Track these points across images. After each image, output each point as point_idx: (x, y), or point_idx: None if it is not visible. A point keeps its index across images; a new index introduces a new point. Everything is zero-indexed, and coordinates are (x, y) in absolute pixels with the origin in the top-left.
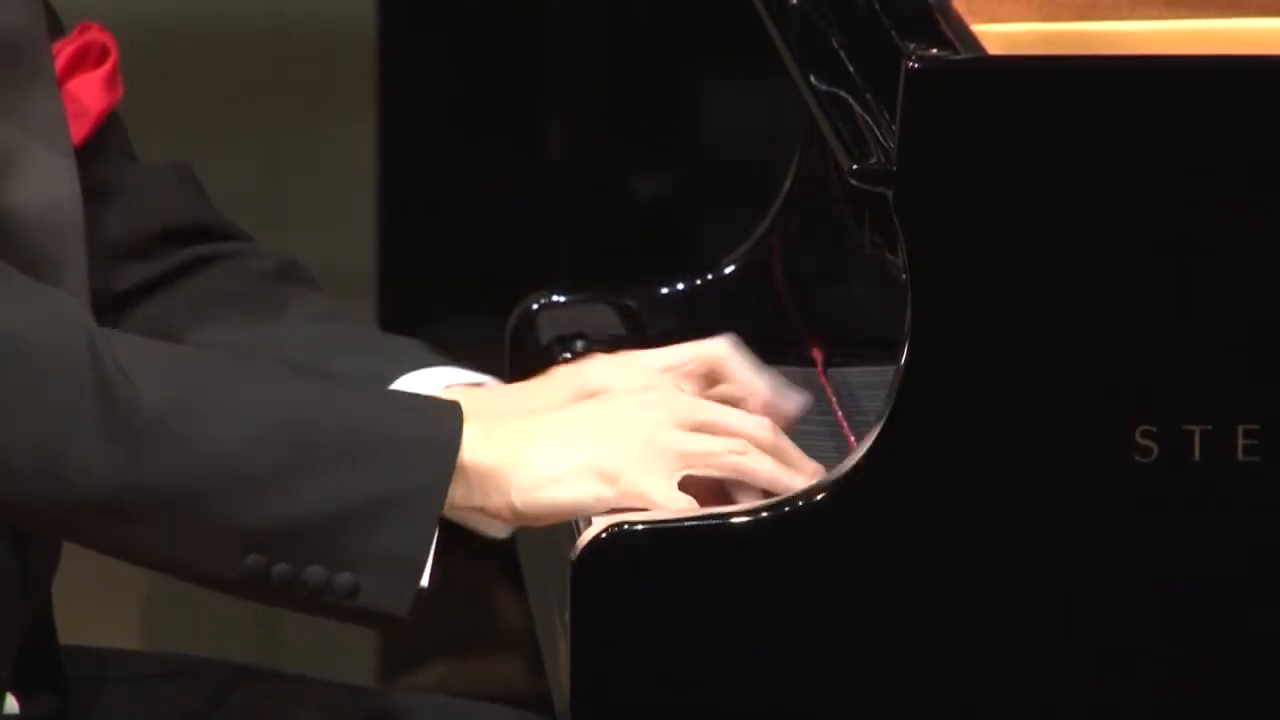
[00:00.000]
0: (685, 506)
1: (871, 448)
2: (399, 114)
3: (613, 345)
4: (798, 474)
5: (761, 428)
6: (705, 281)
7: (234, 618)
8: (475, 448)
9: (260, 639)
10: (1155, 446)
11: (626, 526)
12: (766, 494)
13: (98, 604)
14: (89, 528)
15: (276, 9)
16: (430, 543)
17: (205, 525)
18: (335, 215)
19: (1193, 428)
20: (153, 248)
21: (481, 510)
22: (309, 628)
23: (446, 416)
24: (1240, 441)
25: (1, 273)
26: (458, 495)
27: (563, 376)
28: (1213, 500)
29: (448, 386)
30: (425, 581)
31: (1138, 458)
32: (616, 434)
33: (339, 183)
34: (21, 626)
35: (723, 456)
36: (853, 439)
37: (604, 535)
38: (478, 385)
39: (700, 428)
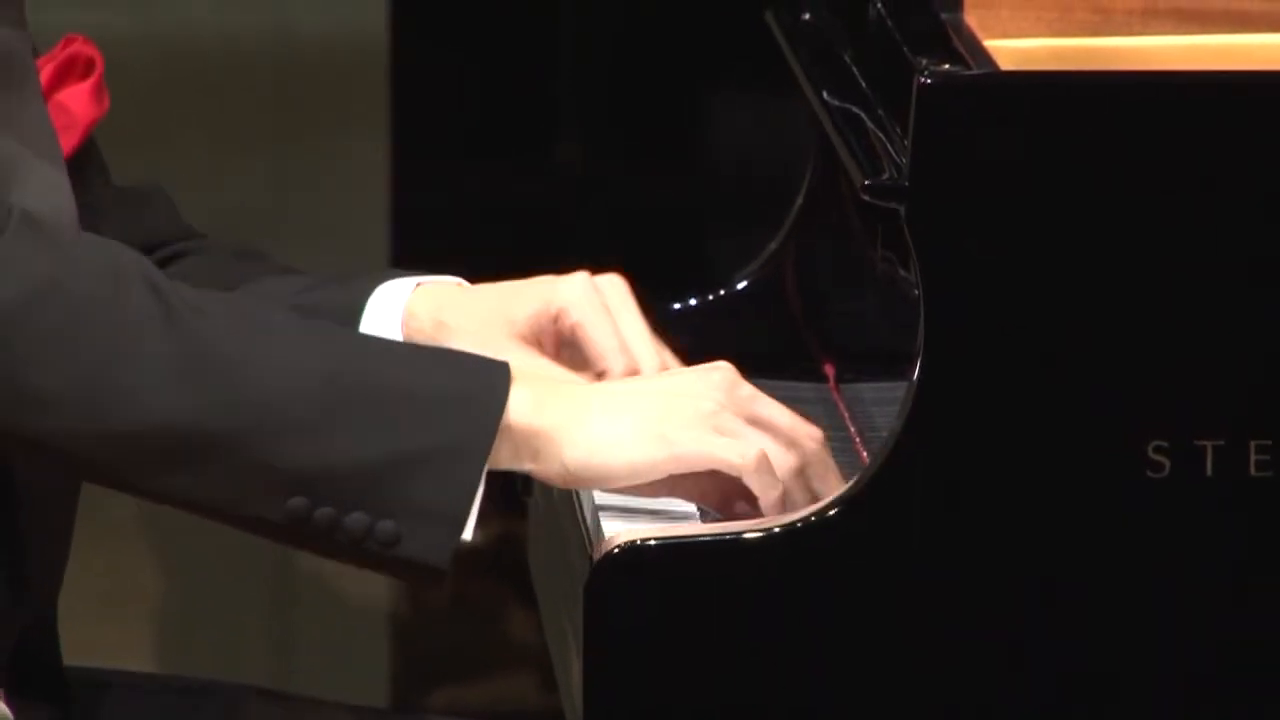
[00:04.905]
0: (755, 465)
1: (884, 463)
2: (411, 129)
3: None
4: (829, 492)
5: (812, 438)
6: (717, 297)
7: (245, 640)
8: (522, 410)
9: (272, 660)
10: (1167, 462)
11: (639, 542)
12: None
13: (107, 626)
14: (134, 467)
15: (288, 25)
16: (473, 498)
17: (251, 464)
18: (347, 230)
19: (1205, 443)
20: None
21: (530, 472)
22: (320, 649)
23: (493, 376)
24: (1253, 457)
25: (41, 224)
26: (504, 455)
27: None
28: (1225, 515)
29: (419, 285)
30: (469, 535)
31: (1150, 473)
32: (674, 404)
33: (351, 197)
34: (12, 629)
35: (770, 460)
36: (865, 455)
37: (617, 551)
38: (451, 283)
39: (754, 420)
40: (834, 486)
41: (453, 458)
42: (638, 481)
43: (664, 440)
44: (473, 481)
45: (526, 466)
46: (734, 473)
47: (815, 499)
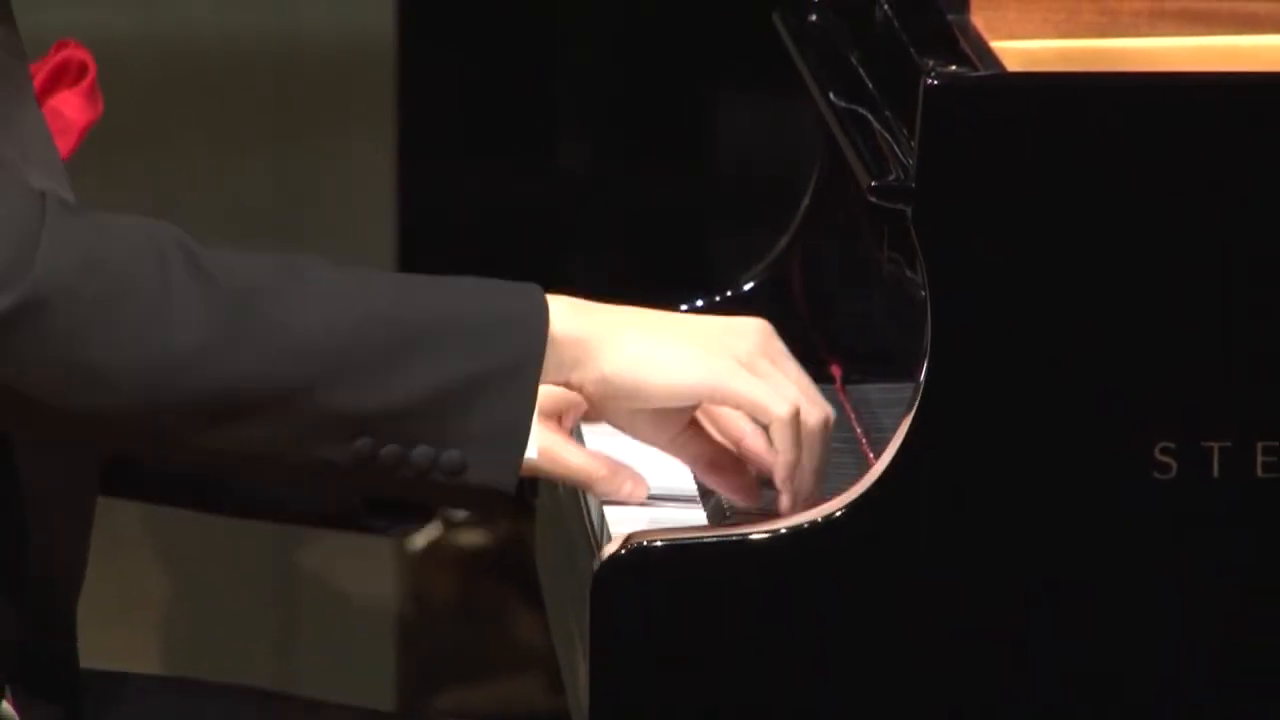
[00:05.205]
0: (789, 415)
1: (890, 464)
2: (418, 128)
3: None
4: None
5: (829, 413)
6: (724, 298)
7: (251, 643)
8: (563, 320)
9: (277, 663)
10: (1174, 463)
11: (645, 543)
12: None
13: (117, 627)
14: (194, 432)
15: (291, 25)
16: (530, 414)
17: (313, 413)
18: (353, 230)
19: (1212, 444)
20: None
21: (567, 384)
22: (326, 651)
23: (530, 293)
24: (1260, 458)
25: (69, 205)
26: (550, 368)
27: None
28: (1232, 517)
29: None
30: (533, 453)
31: (1156, 474)
32: (713, 335)
33: (357, 197)
34: (14, 628)
35: (794, 416)
36: (871, 455)
37: (623, 552)
38: None
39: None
40: (820, 476)
41: (508, 376)
42: (669, 403)
43: (705, 366)
44: (530, 396)
45: (565, 377)
46: (765, 418)
47: (812, 480)
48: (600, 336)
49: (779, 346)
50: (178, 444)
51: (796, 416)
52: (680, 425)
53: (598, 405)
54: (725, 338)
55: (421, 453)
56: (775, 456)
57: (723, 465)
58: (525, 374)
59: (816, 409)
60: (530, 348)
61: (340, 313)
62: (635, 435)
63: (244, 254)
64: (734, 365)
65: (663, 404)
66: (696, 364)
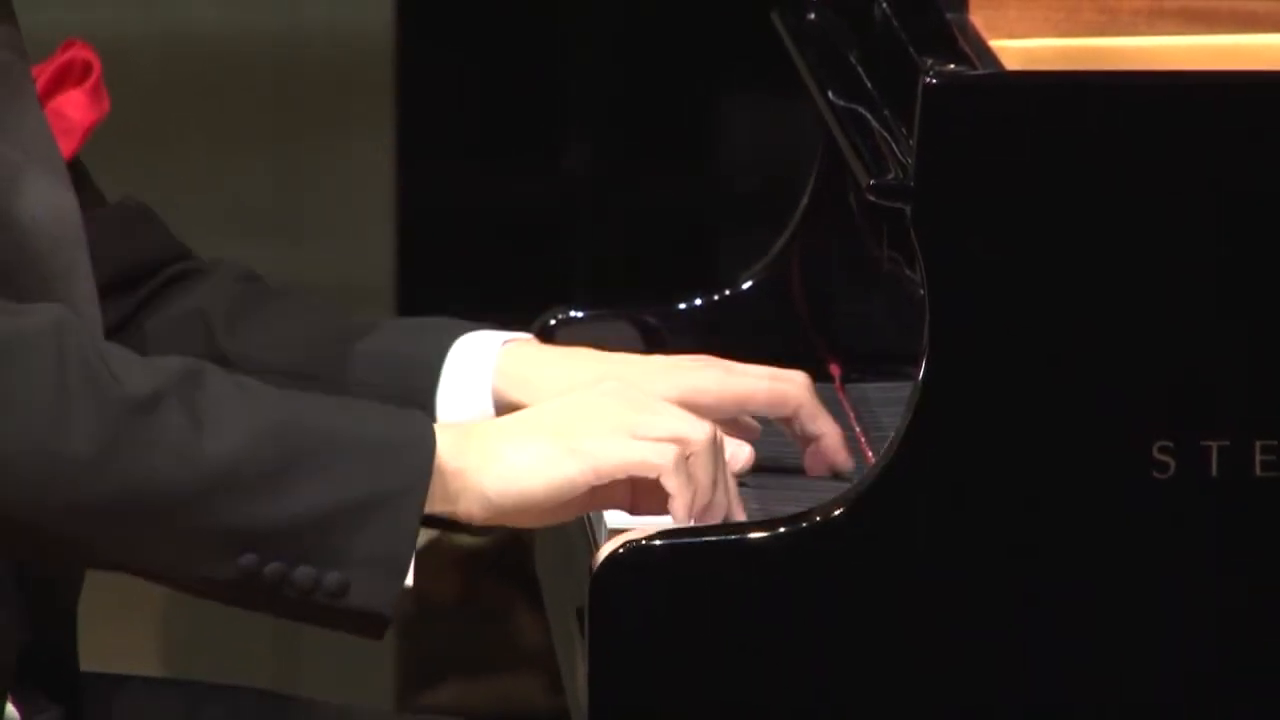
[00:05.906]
0: (674, 464)
1: (889, 463)
2: (417, 128)
3: None
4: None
5: (704, 431)
6: (724, 297)
7: (252, 643)
8: (448, 451)
9: (278, 663)
10: (1173, 462)
11: (644, 542)
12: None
13: (117, 629)
14: (90, 537)
15: (295, 24)
16: (414, 541)
17: (203, 527)
18: (353, 230)
19: (1210, 443)
20: (132, 283)
21: (453, 514)
22: (326, 651)
23: (417, 421)
24: (1258, 457)
25: None
26: (436, 497)
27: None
28: (1231, 516)
29: (507, 342)
30: (409, 581)
31: (1155, 473)
32: (582, 418)
33: (357, 197)
34: (17, 630)
35: (686, 436)
36: (870, 454)
37: (621, 551)
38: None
39: (656, 412)
40: (721, 484)
41: (394, 503)
42: (560, 499)
43: (580, 454)
44: (413, 525)
45: (451, 508)
46: (653, 474)
47: (711, 494)
48: (477, 465)
49: (638, 393)
50: (61, 549)
51: (682, 459)
52: (585, 499)
53: (501, 523)
54: (592, 411)
55: (304, 573)
56: (672, 501)
57: (647, 503)
58: (411, 500)
59: (697, 432)
60: (417, 474)
61: (234, 427)
62: (553, 523)
63: (149, 359)
64: (605, 441)
65: (553, 502)
66: (569, 456)
